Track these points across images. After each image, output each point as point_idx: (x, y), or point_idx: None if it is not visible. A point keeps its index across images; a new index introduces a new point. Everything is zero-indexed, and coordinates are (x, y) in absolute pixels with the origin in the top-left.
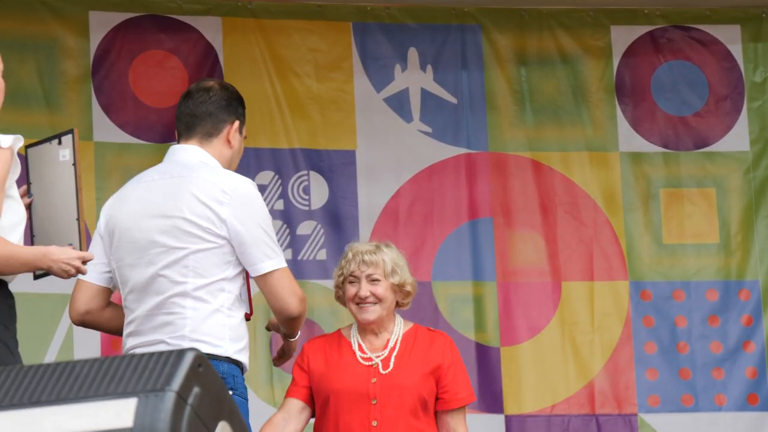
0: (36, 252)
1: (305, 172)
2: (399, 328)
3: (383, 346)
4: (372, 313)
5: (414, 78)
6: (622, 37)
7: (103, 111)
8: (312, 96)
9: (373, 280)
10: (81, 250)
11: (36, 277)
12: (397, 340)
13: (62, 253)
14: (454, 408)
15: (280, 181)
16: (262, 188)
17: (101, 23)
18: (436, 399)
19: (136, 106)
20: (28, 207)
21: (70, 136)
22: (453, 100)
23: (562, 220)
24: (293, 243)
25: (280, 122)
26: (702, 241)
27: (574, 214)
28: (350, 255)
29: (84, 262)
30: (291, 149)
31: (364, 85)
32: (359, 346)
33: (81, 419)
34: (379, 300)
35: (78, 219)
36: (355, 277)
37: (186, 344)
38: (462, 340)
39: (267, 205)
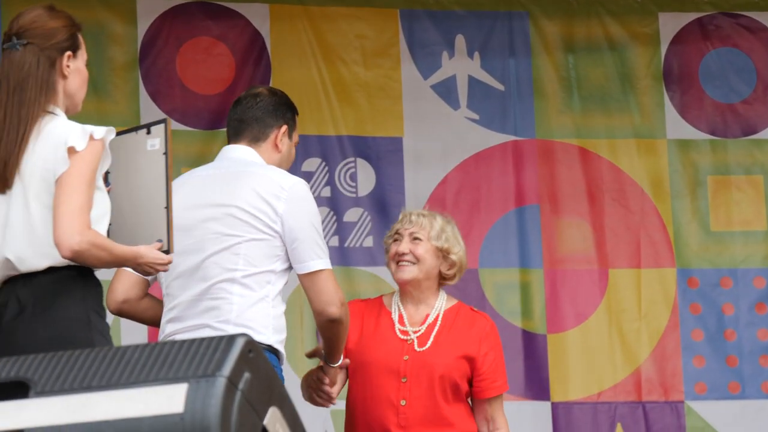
0: (128, 253)
1: (352, 159)
2: (441, 303)
3: (422, 320)
4: (408, 272)
5: (461, 65)
6: (670, 23)
7: (151, 98)
8: (359, 83)
9: (415, 239)
10: (169, 239)
11: None
12: (438, 316)
13: (151, 255)
14: (492, 396)
15: (327, 168)
16: (309, 175)
17: (149, 10)
18: (471, 385)
19: (183, 93)
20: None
21: (162, 126)
22: (500, 87)
23: (610, 207)
24: (340, 230)
25: (327, 109)
26: (749, 229)
27: (621, 202)
28: (401, 216)
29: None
30: (338, 136)
31: (412, 72)
32: (399, 317)
33: (132, 404)
34: (417, 260)
35: (167, 208)
36: (399, 234)
37: (231, 329)
38: (508, 327)
39: (314, 192)
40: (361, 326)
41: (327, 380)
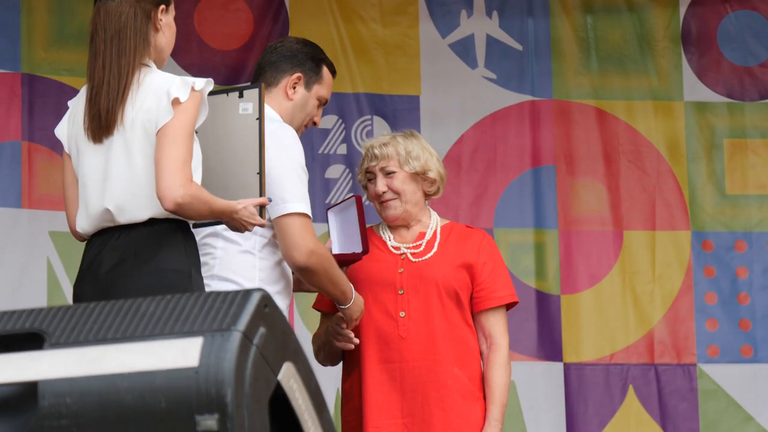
0: (225, 207)
1: (369, 116)
2: (435, 221)
3: (415, 239)
4: (394, 209)
5: (479, 24)
6: None
7: None
8: (377, 41)
9: (388, 173)
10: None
11: (195, 226)
12: (434, 232)
13: (246, 212)
14: (490, 307)
15: (343, 125)
16: (325, 132)
17: None
18: (471, 298)
19: (200, 49)
20: None
21: (256, 91)
22: (518, 47)
23: (625, 168)
24: (355, 188)
25: (344, 66)
26: (765, 192)
27: (637, 163)
28: (364, 151)
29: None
30: (355, 94)
31: (430, 30)
32: (391, 237)
33: (146, 357)
34: (397, 194)
35: (260, 173)
36: (371, 173)
37: (215, 283)
38: (522, 287)
39: (330, 149)
40: None
41: (343, 324)
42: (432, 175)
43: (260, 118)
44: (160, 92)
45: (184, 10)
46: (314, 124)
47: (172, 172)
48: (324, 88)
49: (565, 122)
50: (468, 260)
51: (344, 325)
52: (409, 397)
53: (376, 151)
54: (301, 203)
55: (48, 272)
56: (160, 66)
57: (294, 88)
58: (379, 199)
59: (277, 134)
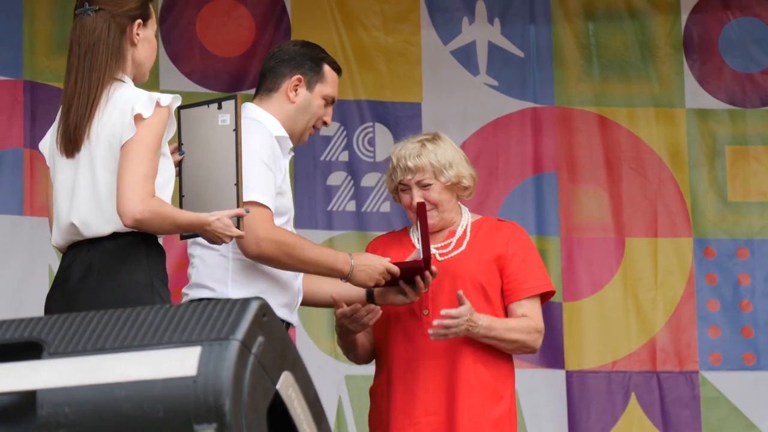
0: (194, 220)
1: (370, 123)
2: (466, 219)
3: (444, 238)
4: (431, 219)
5: (481, 31)
6: None
7: (170, 59)
8: (379, 47)
9: (423, 186)
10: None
11: (183, 238)
12: (465, 230)
13: (220, 224)
14: (521, 299)
15: (345, 133)
16: (327, 139)
17: None
18: (502, 292)
19: (202, 55)
20: (178, 165)
21: (232, 102)
22: (520, 53)
23: (627, 175)
24: (357, 195)
25: (346, 73)
26: (767, 199)
27: (638, 170)
28: (394, 160)
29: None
30: (357, 101)
31: (431, 37)
32: (419, 238)
33: (144, 366)
34: (435, 205)
35: (237, 185)
36: (404, 185)
37: (192, 291)
38: None
39: (332, 156)
40: (383, 255)
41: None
42: (466, 182)
43: (237, 129)
44: (126, 108)
45: (186, 17)
46: (325, 124)
47: (132, 189)
48: (328, 86)
49: (566, 129)
50: (496, 253)
51: (361, 311)
52: (433, 396)
53: (410, 164)
54: (254, 192)
55: (50, 280)
56: (141, 80)
57: (295, 90)
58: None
59: (244, 132)
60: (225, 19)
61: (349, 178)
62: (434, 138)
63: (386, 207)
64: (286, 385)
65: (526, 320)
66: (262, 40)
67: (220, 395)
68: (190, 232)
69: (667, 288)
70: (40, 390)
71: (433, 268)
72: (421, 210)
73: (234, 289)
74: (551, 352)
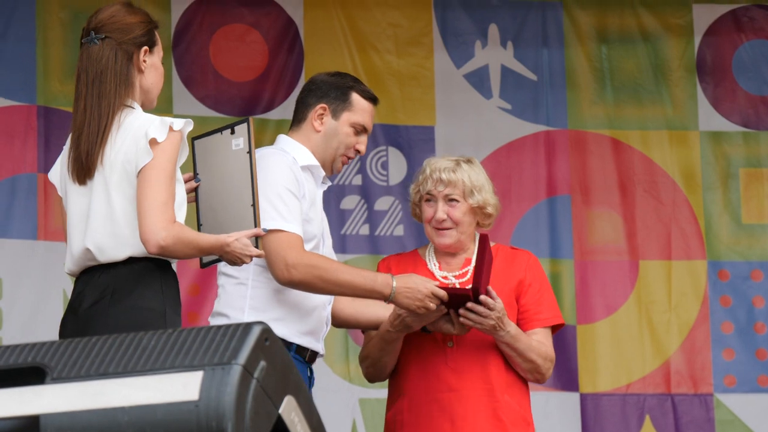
0: (214, 242)
1: (384, 147)
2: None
3: (461, 266)
4: (449, 237)
5: (494, 54)
6: (704, 15)
7: (183, 84)
8: (391, 71)
9: (450, 200)
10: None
11: (203, 265)
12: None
13: (238, 245)
14: (534, 328)
15: (358, 156)
16: None
17: None
18: (518, 321)
19: (216, 80)
20: (193, 192)
21: (244, 125)
22: (533, 77)
23: (641, 198)
24: (370, 218)
25: None
26: None
27: (652, 193)
28: (428, 171)
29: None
30: None
31: (444, 60)
32: (438, 264)
33: (147, 391)
34: (456, 224)
35: (253, 205)
36: (431, 195)
37: (213, 320)
38: None
39: (345, 180)
40: None
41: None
42: (490, 210)
43: (250, 152)
44: (139, 133)
45: (199, 42)
46: (358, 152)
47: (154, 216)
48: (356, 114)
49: (580, 152)
50: (514, 282)
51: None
52: (459, 426)
53: (444, 176)
54: (277, 220)
55: (64, 304)
56: (149, 107)
57: (321, 119)
58: (436, 225)
59: (260, 161)
60: (238, 43)
61: (363, 201)
62: (469, 161)
63: (400, 231)
64: (288, 409)
65: (543, 346)
66: (276, 65)
67: (223, 419)
68: (211, 254)
69: (681, 310)
70: (43, 415)
71: (484, 297)
72: (483, 241)
73: (250, 317)
74: (566, 375)
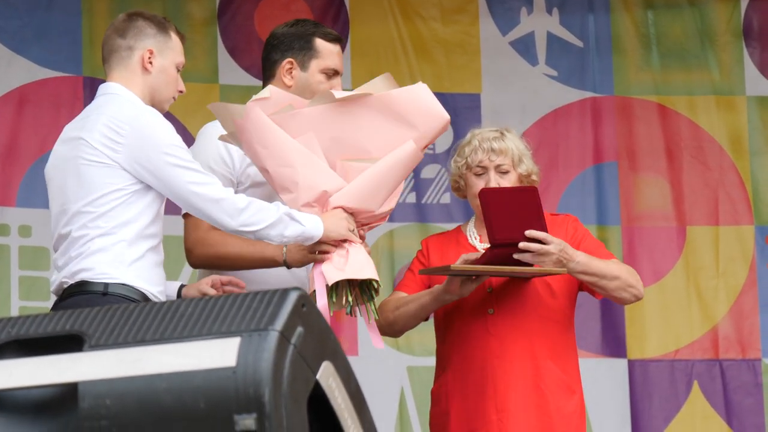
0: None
1: None
2: None
3: None
4: None
5: (540, 21)
6: None
7: (229, 54)
8: (437, 39)
9: (502, 172)
10: None
11: None
12: None
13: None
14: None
15: None
16: None
17: None
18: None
19: (261, 49)
20: None
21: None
22: (579, 43)
23: (688, 164)
24: (417, 186)
25: (405, 65)
26: None
27: (699, 159)
28: (476, 142)
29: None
30: None
31: (490, 28)
32: (479, 238)
33: (184, 358)
34: None
35: None
36: (483, 167)
37: None
38: None
39: None
40: (442, 258)
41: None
42: (535, 177)
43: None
44: None
45: (244, 11)
46: None
47: None
48: (324, 59)
49: (626, 118)
50: None
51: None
52: (503, 394)
53: (495, 145)
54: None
55: None
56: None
57: (291, 74)
58: None
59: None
60: (283, 12)
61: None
62: (508, 130)
63: (446, 198)
64: (326, 375)
65: (620, 263)
66: None
67: (260, 386)
68: None
69: (729, 276)
70: (81, 382)
71: (531, 232)
72: (482, 196)
73: None
74: (613, 342)
